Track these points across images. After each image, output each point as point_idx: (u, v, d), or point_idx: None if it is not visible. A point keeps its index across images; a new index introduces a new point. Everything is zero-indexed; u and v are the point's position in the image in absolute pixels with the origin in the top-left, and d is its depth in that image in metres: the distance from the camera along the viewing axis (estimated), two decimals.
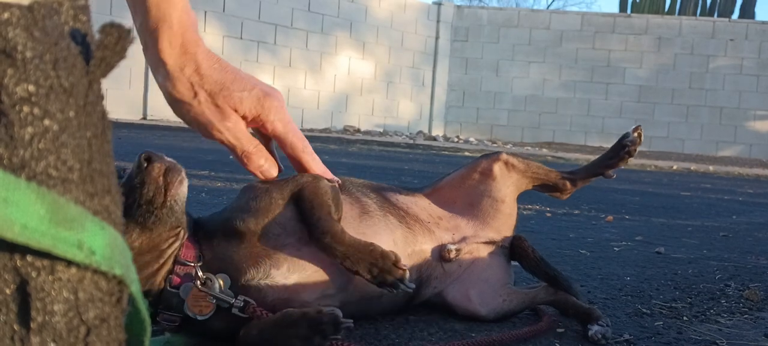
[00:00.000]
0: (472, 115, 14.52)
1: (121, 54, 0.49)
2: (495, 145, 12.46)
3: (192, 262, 1.15)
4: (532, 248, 1.55)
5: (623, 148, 1.52)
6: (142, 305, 0.56)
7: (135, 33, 0.50)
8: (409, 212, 1.46)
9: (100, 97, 0.50)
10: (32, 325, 0.42)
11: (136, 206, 1.09)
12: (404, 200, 1.48)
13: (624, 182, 6.39)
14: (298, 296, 1.21)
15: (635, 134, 1.52)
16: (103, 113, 0.51)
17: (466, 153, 9.44)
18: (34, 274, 0.42)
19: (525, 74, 14.34)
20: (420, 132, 13.71)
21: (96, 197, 0.48)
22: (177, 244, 1.15)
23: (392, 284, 1.18)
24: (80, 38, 0.49)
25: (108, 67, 0.49)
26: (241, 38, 11.71)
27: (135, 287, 0.52)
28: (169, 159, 1.12)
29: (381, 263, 1.18)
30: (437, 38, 14.28)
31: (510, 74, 14.35)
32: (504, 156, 1.55)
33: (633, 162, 8.66)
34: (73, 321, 0.45)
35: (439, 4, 14.36)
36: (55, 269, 0.43)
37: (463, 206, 1.52)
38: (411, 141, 11.46)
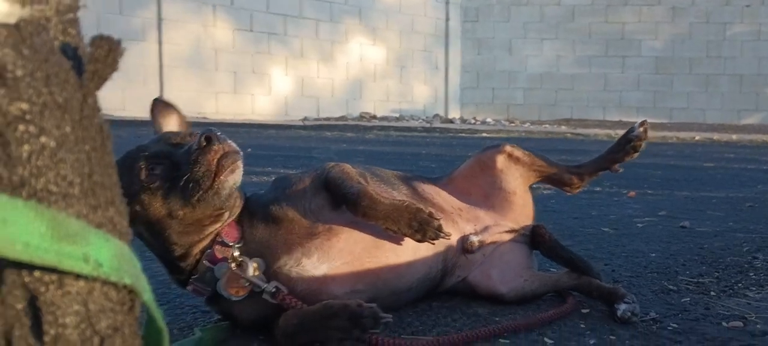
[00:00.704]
0: (488, 96, 14.41)
1: (112, 66, 0.48)
2: (512, 124, 12.36)
3: (232, 243, 1.19)
4: (549, 233, 1.54)
5: (629, 142, 1.51)
6: (158, 314, 0.55)
7: (124, 45, 0.48)
8: (435, 202, 1.47)
9: (97, 110, 0.49)
10: (46, 338, 0.42)
11: (186, 181, 1.11)
12: (430, 190, 1.49)
13: (646, 155, 6.30)
14: (327, 288, 1.22)
15: (641, 129, 1.50)
16: (101, 126, 0.50)
17: (484, 134, 9.39)
18: (42, 289, 0.42)
19: (538, 52, 14.18)
20: (436, 115, 13.65)
21: (99, 209, 0.47)
22: (218, 225, 1.19)
23: (433, 236, 1.22)
24: (71, 53, 0.48)
25: (101, 79, 0.48)
26: (252, 30, 11.71)
27: (148, 296, 0.51)
28: (230, 143, 1.14)
29: (419, 216, 1.22)
30: (448, 20, 14.17)
31: (523, 53, 14.21)
32: (508, 147, 1.55)
33: (654, 134, 8.55)
34: (85, 332, 0.45)
35: None
36: (64, 282, 0.42)
37: (480, 198, 1.53)
38: (428, 125, 11.42)
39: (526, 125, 12.09)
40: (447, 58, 14.23)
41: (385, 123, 11.26)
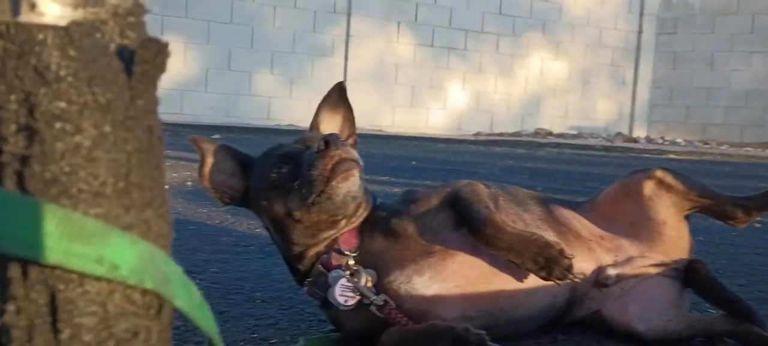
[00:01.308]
0: (681, 114, 13.22)
1: (161, 68, 0.50)
2: (707, 145, 11.22)
3: (348, 251, 1.20)
4: (708, 269, 1.36)
5: None
6: (206, 322, 0.56)
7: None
8: (571, 227, 1.37)
9: (148, 112, 0.52)
10: (61, 336, 0.44)
11: (301, 182, 1.15)
12: (567, 214, 1.39)
13: None
14: (435, 309, 1.19)
15: None
16: (151, 127, 0.52)
17: (671, 156, 8.62)
18: (61, 286, 0.44)
19: (746, 66, 12.71)
20: (619, 134, 12.82)
21: (133, 210, 0.49)
22: (333, 231, 1.20)
23: (561, 276, 1.13)
24: (128, 55, 0.50)
25: (150, 81, 0.50)
26: (433, 46, 11.92)
27: (182, 303, 0.52)
28: (349, 151, 1.16)
29: (547, 252, 1.14)
30: (640, 32, 13.25)
31: (727, 67, 12.82)
32: (658, 173, 1.38)
33: None
34: (101, 333, 0.46)
35: None
36: (84, 282, 0.45)
37: (625, 226, 1.40)
38: (608, 143, 10.76)
39: (724, 147, 10.89)
40: (636, 73, 13.31)
41: (561, 140, 10.81)
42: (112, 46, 0.50)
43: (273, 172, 1.20)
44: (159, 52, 0.49)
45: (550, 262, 1.13)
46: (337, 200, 1.14)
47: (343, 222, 1.20)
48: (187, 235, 2.28)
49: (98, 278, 0.45)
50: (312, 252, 1.22)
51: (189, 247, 2.08)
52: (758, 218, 3.04)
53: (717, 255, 2.21)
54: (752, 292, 1.74)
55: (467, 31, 12.12)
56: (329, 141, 1.14)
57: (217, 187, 1.29)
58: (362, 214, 1.24)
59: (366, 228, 1.23)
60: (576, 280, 1.16)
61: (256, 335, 1.31)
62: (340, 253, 1.20)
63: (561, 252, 1.14)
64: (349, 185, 1.14)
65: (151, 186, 0.51)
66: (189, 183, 3.64)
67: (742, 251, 2.31)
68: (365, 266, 1.20)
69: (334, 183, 1.12)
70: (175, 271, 0.51)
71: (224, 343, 1.25)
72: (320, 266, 1.21)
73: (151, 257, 0.49)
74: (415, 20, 11.73)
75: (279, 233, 1.24)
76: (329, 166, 1.12)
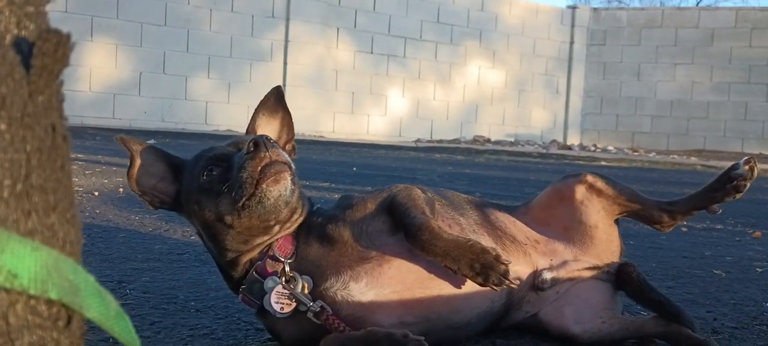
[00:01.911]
0: (611, 123, 13.71)
1: (62, 61, 0.45)
2: (636, 153, 11.67)
3: (284, 257, 1.16)
4: (638, 272, 1.39)
5: (730, 181, 1.31)
6: (120, 330, 0.51)
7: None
8: (507, 231, 1.36)
9: (50, 108, 0.47)
10: None
11: (230, 186, 1.11)
12: (503, 219, 1.39)
13: None
14: (372, 316, 1.16)
15: (746, 167, 1.30)
16: (54, 125, 0.48)
17: (603, 163, 8.92)
18: None
19: (670, 77, 13.31)
20: (553, 141, 13.18)
21: (35, 214, 0.45)
22: (266, 236, 1.16)
23: (497, 282, 1.12)
24: (26, 47, 0.46)
25: (50, 75, 0.45)
26: (372, 52, 11.95)
27: (94, 313, 0.48)
28: (280, 153, 1.12)
29: (483, 258, 1.12)
30: (572, 43, 13.69)
31: (653, 78, 13.39)
32: (589, 178, 1.41)
33: None
34: None
35: (574, 8, 13.77)
36: None
37: (559, 230, 1.41)
38: (543, 150, 11.04)
39: (652, 155, 11.35)
40: (569, 83, 13.73)
41: (498, 147, 11.02)
42: (9, 37, 0.45)
43: (203, 175, 1.16)
44: (60, 44, 0.45)
45: (486, 268, 1.12)
46: (268, 204, 1.10)
47: (276, 228, 1.17)
48: (117, 243, 2.18)
49: None
50: (246, 258, 1.18)
51: (120, 255, 1.99)
52: (685, 223, 3.16)
53: (646, 259, 2.27)
54: (681, 294, 1.80)
55: (406, 39, 12.22)
56: (259, 142, 1.10)
57: (146, 190, 1.23)
58: (297, 219, 1.20)
59: (301, 234, 1.20)
60: (513, 285, 1.15)
61: None
62: (275, 259, 1.17)
63: (497, 258, 1.13)
64: (280, 188, 1.10)
65: (55, 189, 0.47)
66: (121, 190, 3.50)
67: (670, 255, 2.38)
68: (301, 273, 1.17)
69: (263, 186, 1.09)
70: (86, 279, 0.47)
71: None
72: (255, 272, 1.17)
73: (56, 264, 0.44)
74: (355, 27, 11.74)
75: (211, 238, 1.19)
76: (259, 169, 1.09)
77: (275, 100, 1.33)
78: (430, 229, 1.15)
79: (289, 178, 1.12)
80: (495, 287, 1.13)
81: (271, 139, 1.13)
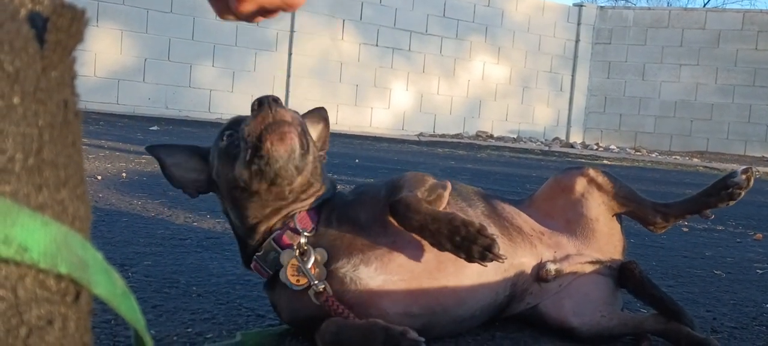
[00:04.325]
0: (614, 122, 13.69)
1: (76, 37, 0.46)
2: (638, 153, 11.65)
3: (303, 230, 1.16)
4: (640, 270, 1.39)
5: (726, 188, 1.31)
6: (127, 309, 0.52)
7: (89, 14, 0.46)
8: (514, 222, 1.37)
9: (63, 84, 0.47)
10: None
11: (238, 146, 1.12)
12: (510, 210, 1.40)
13: None
14: (379, 302, 1.16)
15: (743, 177, 1.30)
16: (66, 101, 0.48)
17: (605, 161, 8.91)
18: None
19: (675, 78, 13.28)
20: (556, 139, 13.16)
21: (46, 189, 0.45)
22: (282, 203, 1.16)
23: (480, 256, 1.07)
24: (40, 22, 0.46)
25: (64, 51, 0.46)
26: (377, 45, 11.93)
27: (103, 290, 0.48)
28: (285, 112, 1.11)
29: (463, 232, 1.08)
30: (577, 41, 13.65)
31: (658, 78, 13.36)
32: (590, 171, 1.42)
33: None
34: (11, 320, 0.42)
35: (581, 6, 13.72)
36: None
37: (562, 223, 1.42)
38: (546, 148, 11.03)
39: (654, 155, 11.33)
40: (573, 80, 13.70)
41: (501, 143, 11.01)
42: (23, 12, 0.46)
43: (222, 140, 1.18)
44: (74, 20, 0.45)
45: (467, 240, 1.08)
46: (276, 164, 1.09)
47: (289, 195, 1.16)
48: (120, 227, 2.18)
49: (6, 261, 0.41)
50: (264, 226, 1.18)
51: (122, 239, 2.00)
52: (686, 223, 3.15)
53: (647, 257, 2.28)
54: (681, 292, 1.80)
55: (411, 32, 12.19)
56: (262, 101, 1.10)
57: (184, 184, 1.28)
58: (316, 194, 1.20)
59: (323, 212, 1.21)
60: (500, 260, 1.09)
61: (190, 330, 1.26)
62: (295, 232, 1.17)
63: (480, 231, 1.08)
64: (287, 146, 1.09)
65: (66, 164, 0.47)
66: (124, 175, 3.50)
67: (670, 254, 2.39)
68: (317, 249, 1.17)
69: (269, 144, 1.08)
70: (93, 256, 0.47)
71: (158, 336, 1.20)
72: (272, 242, 1.17)
73: (66, 240, 0.44)
74: (360, 19, 11.71)
75: (232, 205, 1.20)
76: (260, 126, 1.09)
77: (320, 113, 1.37)
78: (407, 203, 1.14)
79: (296, 139, 1.11)
80: (481, 262, 1.09)
81: (278, 99, 1.13)
